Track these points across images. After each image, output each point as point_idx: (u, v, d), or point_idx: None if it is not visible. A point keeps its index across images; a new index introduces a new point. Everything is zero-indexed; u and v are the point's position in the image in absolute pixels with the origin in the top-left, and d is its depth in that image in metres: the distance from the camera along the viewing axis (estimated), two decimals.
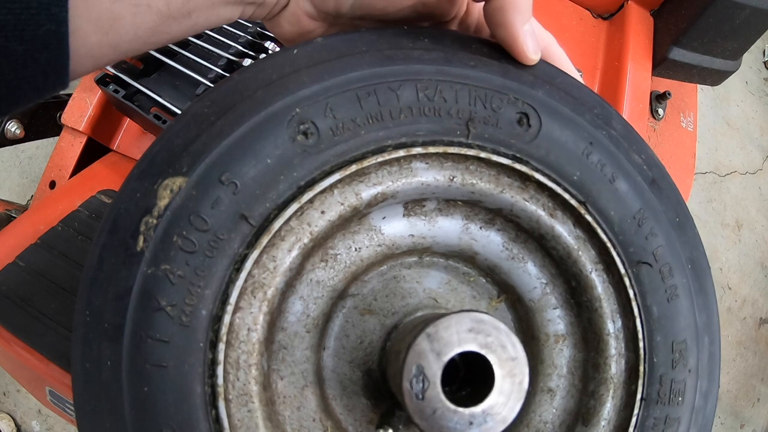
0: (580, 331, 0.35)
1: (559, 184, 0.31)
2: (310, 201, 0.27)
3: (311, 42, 0.30)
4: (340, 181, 0.27)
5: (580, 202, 0.31)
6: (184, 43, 0.67)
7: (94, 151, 0.73)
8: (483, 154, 0.29)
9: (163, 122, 0.63)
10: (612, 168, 0.31)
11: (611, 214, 0.31)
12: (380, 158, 0.27)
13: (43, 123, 0.70)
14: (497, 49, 0.32)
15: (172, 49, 0.65)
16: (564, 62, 0.35)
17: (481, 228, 0.35)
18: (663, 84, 0.98)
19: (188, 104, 0.29)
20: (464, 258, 0.36)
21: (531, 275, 0.35)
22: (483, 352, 0.24)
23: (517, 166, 0.30)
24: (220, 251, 0.26)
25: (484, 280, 0.38)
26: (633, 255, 0.31)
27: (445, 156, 0.29)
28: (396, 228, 0.33)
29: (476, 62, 0.31)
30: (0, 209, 0.64)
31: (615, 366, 0.33)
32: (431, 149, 0.28)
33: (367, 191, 0.29)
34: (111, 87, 0.64)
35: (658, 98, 0.92)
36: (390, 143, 0.28)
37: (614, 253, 0.31)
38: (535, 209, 0.32)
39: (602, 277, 0.33)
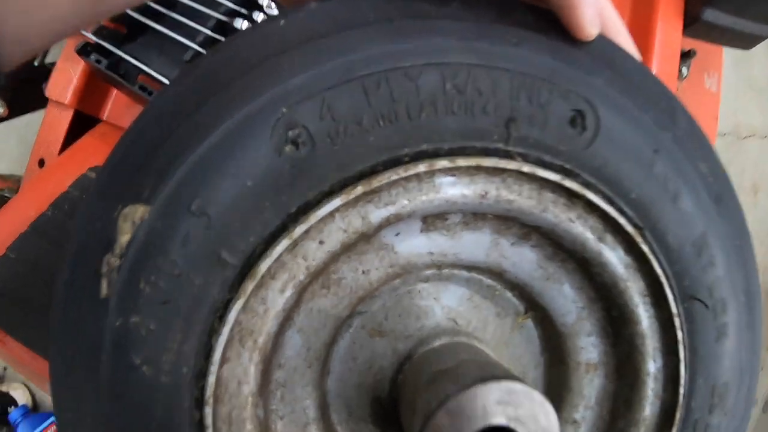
0: (614, 361, 0.30)
1: (613, 204, 0.24)
2: (306, 231, 0.20)
3: (302, 8, 0.21)
4: (343, 205, 0.20)
5: (636, 227, 0.24)
6: (170, 3, 0.57)
7: (84, 122, 0.65)
8: (526, 168, 0.22)
9: (150, 93, 0.55)
10: (676, 182, 0.25)
11: (669, 240, 0.25)
12: (394, 175, 0.20)
13: (29, 96, 0.62)
14: (544, 18, 0.23)
15: (157, 10, 0.55)
16: (621, 34, 0.26)
17: (512, 244, 0.28)
18: (687, 42, 0.84)
19: (154, 96, 0.22)
20: (490, 273, 0.30)
21: (566, 298, 0.29)
22: (512, 425, 0.19)
23: (567, 183, 0.22)
24: (197, 299, 0.20)
25: (510, 294, 0.32)
26: (687, 289, 0.26)
27: (478, 168, 0.22)
28: (412, 245, 0.27)
29: (520, 38, 0.22)
30: None
31: (649, 408, 0.28)
32: (461, 161, 0.21)
33: (377, 213, 0.22)
34: (93, 57, 0.55)
35: (683, 56, 0.80)
36: (407, 152, 0.21)
37: (667, 286, 0.26)
38: (582, 231, 0.25)
39: (649, 312, 0.27)
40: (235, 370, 0.22)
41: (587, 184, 0.23)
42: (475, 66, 0.21)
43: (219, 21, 0.55)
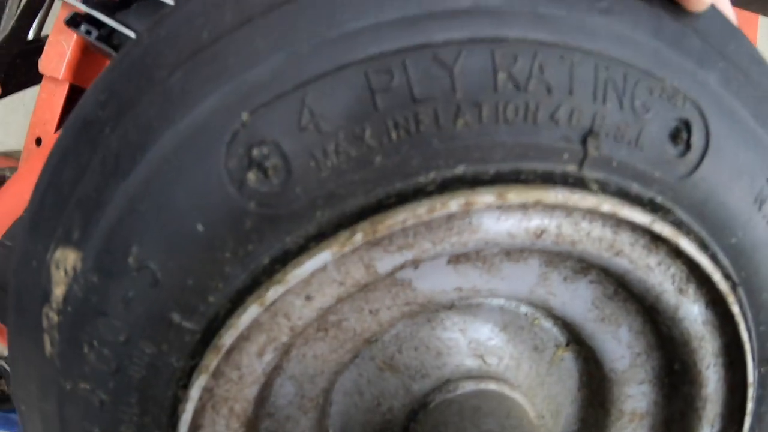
0: (664, 414, 0.26)
1: (707, 250, 0.17)
2: (287, 288, 0.14)
3: None
4: (337, 256, 0.14)
5: (729, 281, 0.17)
6: None
7: (81, 97, 0.59)
8: (606, 207, 0.14)
9: None
10: None
11: (763, 297, 0.19)
12: (411, 218, 0.13)
13: (24, 73, 0.56)
14: None
15: None
16: (723, 1, 0.18)
17: (565, 279, 0.21)
18: None
19: (84, 95, 0.16)
20: (531, 305, 0.23)
21: (621, 342, 0.23)
22: None
23: (656, 227, 0.15)
24: (152, 368, 0.15)
25: (550, 324, 0.25)
26: None
27: (536, 203, 0.14)
28: (435, 281, 0.20)
29: (609, 0, 0.14)
30: None
31: None
32: (513, 197, 0.13)
33: (387, 260, 0.15)
34: (83, 28, 0.48)
35: None
36: (433, 179, 0.13)
37: (747, 349, 0.20)
38: (660, 282, 0.18)
39: (719, 375, 0.22)
40: None
41: (680, 225, 0.16)
42: (544, 45, 0.13)
43: None
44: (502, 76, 0.13)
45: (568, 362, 0.27)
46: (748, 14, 0.65)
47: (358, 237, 0.13)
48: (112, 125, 0.14)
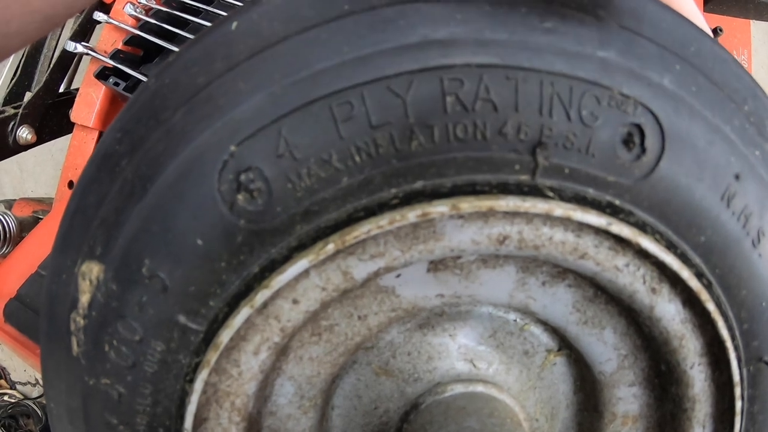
0: (657, 415, 0.25)
1: (675, 249, 0.17)
2: (275, 292, 0.16)
3: (260, 4, 0.16)
4: (315, 263, 0.15)
5: (702, 279, 0.18)
6: (183, 23, 0.53)
7: None
8: (559, 211, 0.15)
9: None
10: (760, 221, 0.18)
11: (742, 294, 0.19)
12: (374, 228, 0.15)
13: (56, 123, 0.62)
14: None
15: (170, 30, 0.52)
16: (687, 4, 0.18)
17: (544, 284, 0.22)
18: (713, 19, 0.72)
19: (105, 132, 0.18)
20: (516, 311, 0.24)
21: (607, 344, 0.23)
22: None
23: (614, 228, 0.15)
24: (162, 363, 0.17)
25: (541, 329, 0.25)
26: (755, 350, 0.20)
27: (492, 210, 0.15)
28: (417, 288, 0.21)
29: (553, 20, 0.15)
30: (29, 211, 0.60)
31: None
32: (465, 206, 0.15)
33: (362, 267, 0.16)
34: (111, 80, 0.53)
35: None
36: (395, 194, 0.15)
37: (730, 347, 0.20)
38: (631, 282, 0.18)
39: (705, 374, 0.21)
40: (215, 429, 0.19)
41: (642, 226, 0.16)
42: (489, 67, 0.14)
43: None
44: (450, 99, 0.14)
45: (561, 367, 0.27)
46: (739, 19, 0.66)
47: (330, 247, 0.15)
48: (127, 159, 0.16)
